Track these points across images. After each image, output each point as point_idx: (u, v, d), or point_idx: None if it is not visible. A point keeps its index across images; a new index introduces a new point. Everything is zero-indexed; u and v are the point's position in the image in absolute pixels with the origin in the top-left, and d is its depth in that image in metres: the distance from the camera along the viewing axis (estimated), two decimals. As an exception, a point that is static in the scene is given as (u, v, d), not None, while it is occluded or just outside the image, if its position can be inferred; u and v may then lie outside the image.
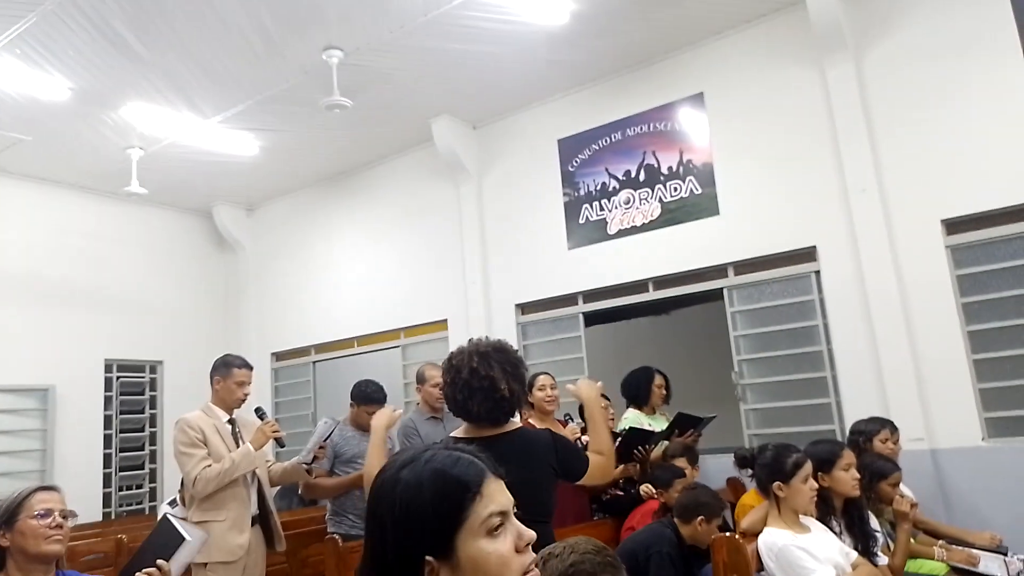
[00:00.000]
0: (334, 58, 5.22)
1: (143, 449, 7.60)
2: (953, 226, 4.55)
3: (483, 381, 2.18)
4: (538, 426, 3.79)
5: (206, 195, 7.98)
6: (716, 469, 4.75)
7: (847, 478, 3.06)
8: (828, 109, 4.92)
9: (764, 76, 5.24)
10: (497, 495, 1.02)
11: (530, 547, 1.05)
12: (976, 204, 4.44)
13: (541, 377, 4.13)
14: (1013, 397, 4.31)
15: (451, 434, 2.41)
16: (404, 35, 5.10)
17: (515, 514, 1.05)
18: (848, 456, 3.13)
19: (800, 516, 2.85)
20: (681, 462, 4.01)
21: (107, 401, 7.35)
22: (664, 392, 4.65)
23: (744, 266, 5.26)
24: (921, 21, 4.69)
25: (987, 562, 3.50)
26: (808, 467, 2.85)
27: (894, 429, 3.97)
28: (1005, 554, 3.64)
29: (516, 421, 2.42)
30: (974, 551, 3.57)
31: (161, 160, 6.81)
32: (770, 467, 2.86)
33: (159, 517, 6.05)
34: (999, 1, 4.43)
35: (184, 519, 3.03)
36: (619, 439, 4.04)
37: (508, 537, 1.02)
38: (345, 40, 5.14)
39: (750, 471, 3.19)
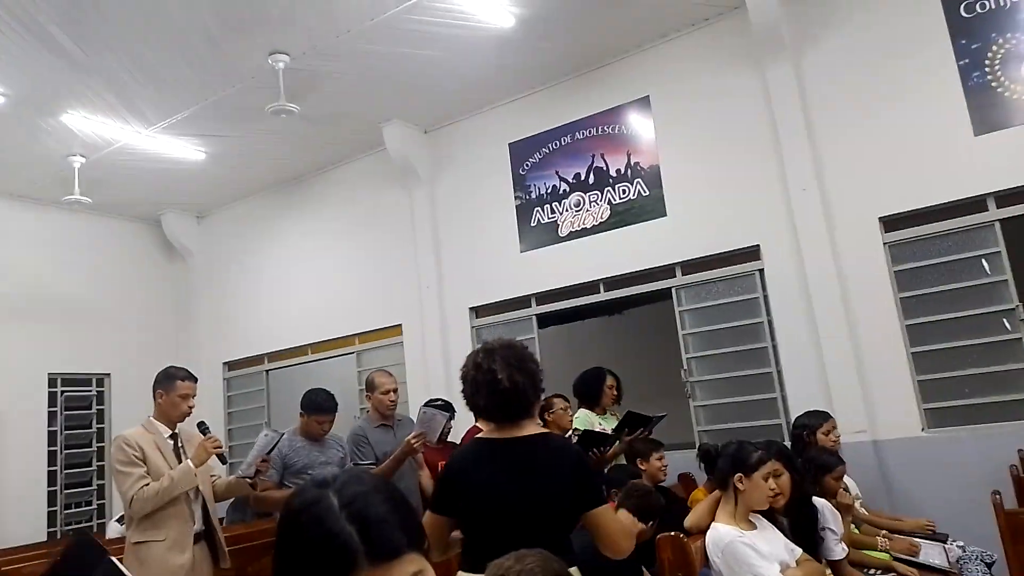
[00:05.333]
0: (280, 63, 5.16)
1: (90, 465, 7.40)
2: (890, 223, 4.68)
3: (486, 375, 2.20)
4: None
5: (153, 203, 7.80)
6: (669, 465, 4.79)
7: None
8: (769, 110, 5.01)
9: (707, 79, 5.32)
10: None
11: None
12: (912, 201, 4.58)
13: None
14: (950, 388, 4.46)
15: (477, 436, 2.36)
16: (350, 39, 5.06)
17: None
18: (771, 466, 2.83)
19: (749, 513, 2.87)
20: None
21: (51, 417, 7.13)
22: (615, 392, 4.68)
23: (691, 266, 5.34)
24: (857, 25, 4.82)
25: (928, 550, 3.62)
26: (770, 465, 2.79)
27: (833, 422, 4.04)
28: (944, 541, 3.76)
29: (538, 423, 2.36)
30: (915, 540, 3.67)
31: (105, 168, 6.64)
32: (733, 458, 2.81)
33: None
34: (932, 8, 4.60)
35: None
36: (576, 439, 4.05)
37: None
38: (291, 44, 5.08)
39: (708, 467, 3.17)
